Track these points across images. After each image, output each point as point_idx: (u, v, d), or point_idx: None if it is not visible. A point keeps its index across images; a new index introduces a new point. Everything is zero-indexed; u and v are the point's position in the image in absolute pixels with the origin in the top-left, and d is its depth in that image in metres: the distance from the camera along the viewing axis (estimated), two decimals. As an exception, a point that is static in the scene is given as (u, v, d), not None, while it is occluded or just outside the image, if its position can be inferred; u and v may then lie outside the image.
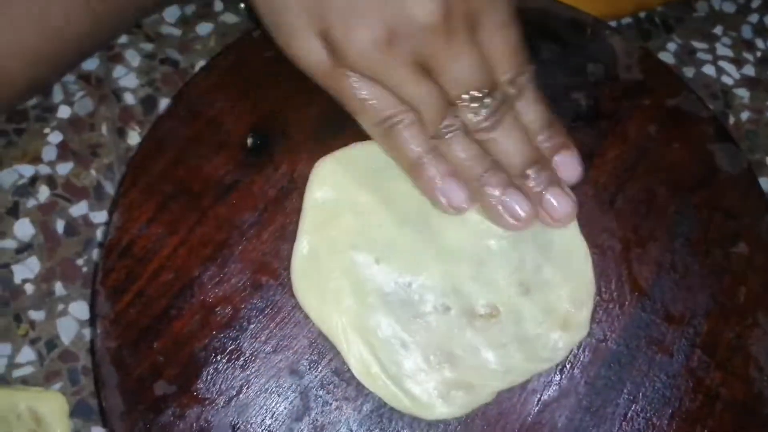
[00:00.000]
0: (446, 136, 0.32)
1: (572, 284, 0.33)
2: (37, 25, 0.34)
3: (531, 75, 0.33)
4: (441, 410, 0.31)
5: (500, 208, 0.33)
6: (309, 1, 0.31)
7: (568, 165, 0.34)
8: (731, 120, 0.47)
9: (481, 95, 0.32)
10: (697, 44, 0.49)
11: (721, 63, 0.49)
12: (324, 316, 0.32)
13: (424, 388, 0.31)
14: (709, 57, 0.49)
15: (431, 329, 0.32)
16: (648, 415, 0.32)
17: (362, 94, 0.32)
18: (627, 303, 0.34)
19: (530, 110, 0.33)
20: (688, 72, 0.48)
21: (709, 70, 0.49)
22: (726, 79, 0.48)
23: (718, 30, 0.50)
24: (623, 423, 0.32)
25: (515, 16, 0.33)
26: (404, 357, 0.32)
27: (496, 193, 0.32)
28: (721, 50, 0.50)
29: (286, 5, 0.31)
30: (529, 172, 0.33)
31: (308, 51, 0.32)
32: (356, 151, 0.35)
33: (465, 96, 0.32)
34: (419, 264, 0.33)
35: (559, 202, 0.33)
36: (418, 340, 0.32)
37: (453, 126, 0.32)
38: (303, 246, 0.33)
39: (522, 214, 0.33)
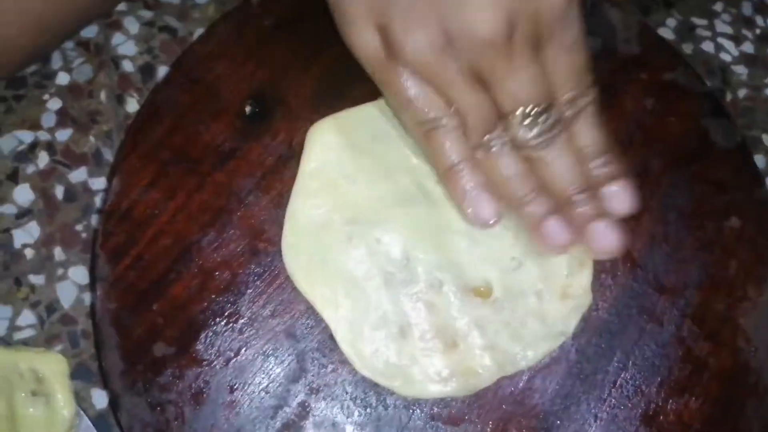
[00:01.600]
0: (492, 149, 0.31)
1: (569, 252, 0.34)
2: None
3: (592, 99, 0.32)
4: (434, 390, 0.31)
5: (541, 231, 0.32)
6: None
7: (620, 197, 0.32)
8: (729, 97, 0.47)
9: (535, 112, 0.31)
10: (696, 20, 0.49)
11: (720, 40, 0.49)
12: (314, 291, 0.32)
13: (419, 370, 0.31)
14: (708, 33, 0.49)
15: (426, 309, 0.32)
16: (637, 382, 0.33)
17: (410, 92, 0.31)
18: (619, 273, 0.34)
19: (586, 134, 0.32)
20: (687, 48, 0.48)
21: (708, 46, 0.49)
22: (725, 56, 0.48)
23: (718, 6, 0.50)
24: (612, 390, 0.32)
25: (583, 40, 0.32)
26: (399, 338, 0.32)
27: (538, 217, 0.32)
28: (721, 27, 0.49)
29: None
30: (576, 198, 0.31)
31: (366, 41, 0.31)
32: (354, 114, 0.35)
33: (518, 111, 0.31)
34: (415, 240, 0.33)
35: (604, 236, 0.32)
36: (413, 321, 0.32)
37: (501, 139, 0.31)
38: (294, 219, 0.33)
39: (561, 242, 0.32)
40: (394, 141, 0.34)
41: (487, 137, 0.31)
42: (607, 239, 0.32)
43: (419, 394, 0.31)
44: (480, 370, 0.32)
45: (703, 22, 0.49)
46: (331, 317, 0.32)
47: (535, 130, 0.31)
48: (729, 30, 0.49)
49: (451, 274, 0.33)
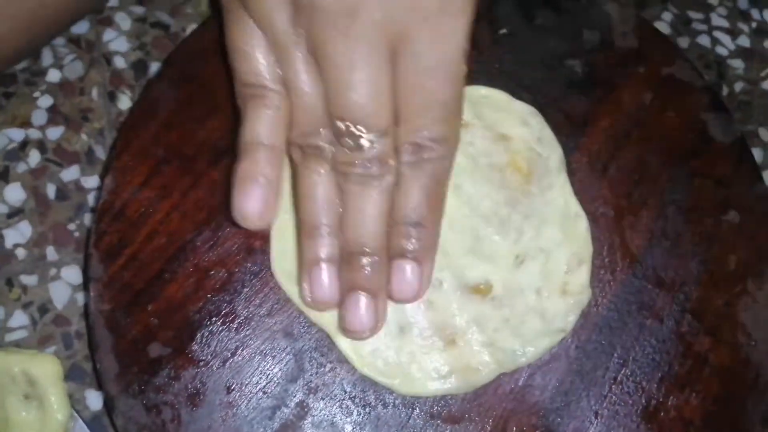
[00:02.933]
0: (306, 157, 0.27)
1: (569, 247, 0.33)
2: None
3: (444, 156, 0.27)
4: (433, 387, 0.31)
5: (305, 275, 0.28)
6: None
7: (402, 279, 0.27)
8: (725, 91, 0.47)
9: (359, 134, 0.25)
10: (692, 14, 0.49)
11: (716, 33, 0.49)
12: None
13: (418, 368, 0.31)
14: (704, 27, 0.49)
15: (425, 306, 0.32)
16: (638, 378, 0.32)
17: (251, 48, 0.27)
18: (618, 269, 0.34)
19: (409, 194, 0.27)
20: (683, 42, 0.48)
21: (703, 40, 0.49)
22: (721, 50, 0.48)
23: (713, 0, 0.50)
24: (613, 386, 0.32)
25: (461, 68, 0.26)
26: (398, 336, 0.31)
27: (311, 259, 0.27)
28: (717, 20, 0.49)
29: None
30: (363, 261, 0.27)
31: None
32: None
33: (340, 124, 0.25)
34: None
35: (356, 314, 0.27)
36: (412, 319, 0.32)
37: (321, 152, 0.26)
38: (280, 227, 0.32)
39: (318, 298, 0.28)
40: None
41: (306, 140, 0.27)
42: (358, 318, 0.27)
43: (419, 392, 0.31)
44: (479, 366, 0.31)
45: (699, 15, 0.49)
46: (328, 320, 0.31)
47: (354, 156, 0.26)
48: (725, 23, 0.49)
49: (450, 272, 0.32)
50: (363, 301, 0.27)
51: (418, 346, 0.31)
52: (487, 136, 0.35)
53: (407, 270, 0.27)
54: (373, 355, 0.31)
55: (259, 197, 0.26)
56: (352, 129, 0.25)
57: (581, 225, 0.34)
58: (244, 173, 0.27)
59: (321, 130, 0.26)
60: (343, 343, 0.31)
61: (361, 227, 0.27)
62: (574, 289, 0.33)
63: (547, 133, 0.36)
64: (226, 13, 0.28)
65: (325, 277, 0.27)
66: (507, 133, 0.35)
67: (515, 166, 0.34)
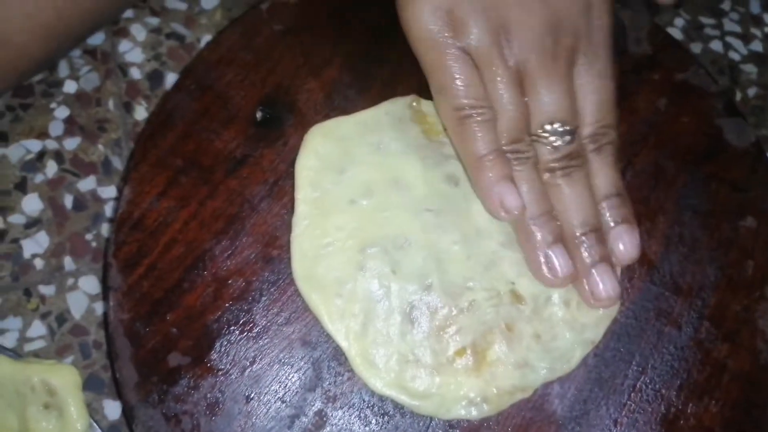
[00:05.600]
0: (516, 161, 0.31)
1: None
2: (50, 1, 0.34)
3: (614, 138, 0.32)
4: (463, 413, 0.31)
5: (542, 258, 0.31)
6: None
7: (627, 241, 0.32)
8: (738, 95, 0.47)
9: (561, 130, 0.31)
10: (704, 20, 0.49)
11: (729, 39, 0.49)
12: (335, 326, 0.31)
13: (447, 394, 0.31)
14: (716, 32, 0.49)
15: (455, 331, 0.32)
16: (657, 386, 0.32)
17: (457, 74, 0.31)
18: (636, 276, 0.34)
19: (602, 173, 0.32)
20: (696, 47, 0.48)
21: (716, 45, 0.49)
22: (733, 55, 0.48)
23: (725, 5, 0.50)
24: (632, 394, 0.32)
25: (613, 67, 0.32)
26: (431, 370, 0.31)
27: (544, 242, 0.31)
28: (729, 26, 0.49)
29: None
30: (585, 239, 0.31)
31: (425, 19, 0.31)
32: (351, 121, 0.34)
33: (547, 126, 0.31)
34: (440, 260, 0.32)
35: (604, 283, 0.31)
36: (437, 347, 0.31)
37: (526, 154, 0.31)
38: (301, 250, 0.32)
39: (560, 274, 0.31)
40: (403, 148, 0.34)
41: (513, 146, 0.31)
42: (605, 288, 0.31)
43: (449, 418, 0.31)
44: (512, 391, 0.31)
45: (711, 21, 0.49)
46: (351, 355, 0.31)
47: (557, 153, 0.31)
48: (737, 29, 0.49)
49: (479, 284, 0.32)
50: (607, 269, 0.31)
51: (446, 375, 0.31)
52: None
53: (628, 233, 0.32)
54: (395, 384, 0.31)
55: (514, 192, 0.31)
56: (559, 128, 0.31)
57: None
58: (495, 175, 0.31)
59: (525, 137, 0.31)
60: (358, 363, 0.31)
61: (581, 210, 0.31)
62: None
63: None
64: (433, 48, 0.32)
65: (562, 254, 0.31)
66: None
67: None
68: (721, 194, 0.36)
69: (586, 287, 0.31)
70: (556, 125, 0.31)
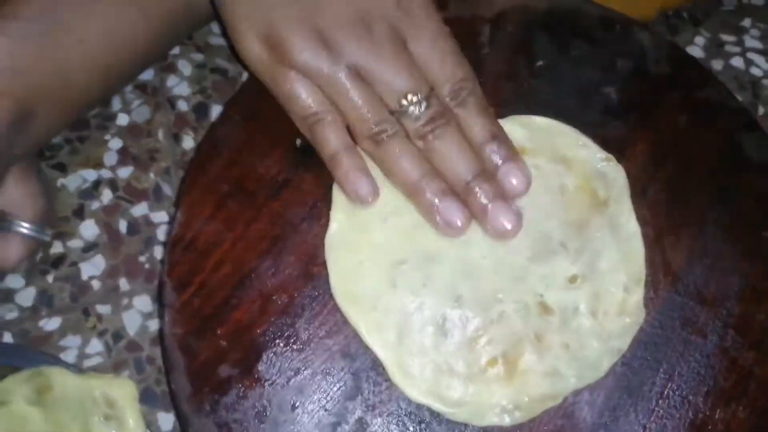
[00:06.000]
0: (384, 137, 0.33)
1: (627, 267, 0.35)
2: (107, 42, 0.37)
3: (473, 87, 0.34)
4: (496, 420, 0.33)
5: (437, 216, 0.33)
6: (250, 8, 0.34)
7: (516, 174, 0.34)
8: (760, 111, 0.48)
9: (416, 100, 0.33)
10: (725, 37, 0.50)
11: (750, 55, 0.50)
12: (373, 338, 0.33)
13: (479, 403, 0.32)
14: (737, 49, 0.50)
15: (486, 341, 0.33)
16: (684, 393, 0.33)
17: (294, 90, 0.34)
18: (661, 287, 0.35)
19: (473, 123, 0.34)
20: (717, 65, 0.49)
21: (737, 62, 0.50)
22: (755, 71, 0.49)
23: (746, 22, 0.51)
24: (660, 400, 0.33)
25: (446, 30, 0.35)
26: (464, 378, 0.33)
27: (434, 199, 0.33)
28: (750, 42, 0.50)
29: (234, 12, 0.35)
30: (473, 183, 0.33)
31: (253, 51, 0.35)
32: None
33: (403, 101, 0.33)
34: (469, 274, 0.34)
35: (503, 216, 0.33)
36: (469, 358, 0.33)
37: (392, 129, 0.33)
38: (338, 266, 0.34)
39: (458, 223, 0.33)
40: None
41: (378, 127, 0.33)
42: (504, 220, 0.33)
43: (483, 424, 0.33)
44: (542, 400, 0.33)
45: (732, 38, 0.50)
46: (390, 367, 0.33)
47: (422, 119, 0.33)
48: (758, 45, 0.50)
49: (508, 296, 0.34)
50: (503, 204, 0.33)
51: (477, 384, 0.33)
52: (551, 160, 0.36)
53: (515, 167, 0.34)
54: (431, 393, 0.33)
55: (366, 180, 0.34)
56: (414, 99, 0.33)
57: (637, 244, 0.35)
58: (347, 169, 0.34)
59: (387, 116, 0.33)
60: (400, 380, 0.33)
61: (462, 160, 0.33)
62: (630, 308, 0.34)
63: (606, 155, 0.37)
64: (268, 75, 0.35)
65: (452, 204, 0.33)
66: (568, 155, 0.37)
67: (584, 187, 0.36)
68: (743, 207, 0.37)
69: (488, 227, 0.33)
70: (410, 97, 0.33)
